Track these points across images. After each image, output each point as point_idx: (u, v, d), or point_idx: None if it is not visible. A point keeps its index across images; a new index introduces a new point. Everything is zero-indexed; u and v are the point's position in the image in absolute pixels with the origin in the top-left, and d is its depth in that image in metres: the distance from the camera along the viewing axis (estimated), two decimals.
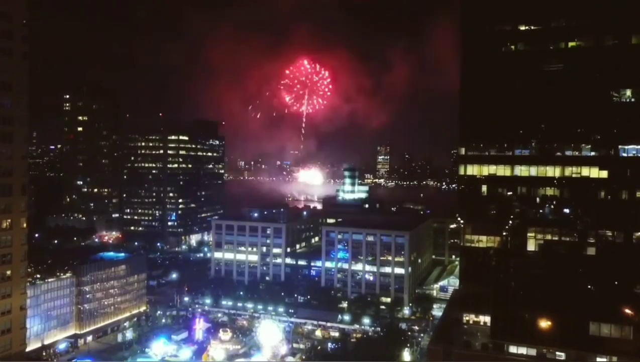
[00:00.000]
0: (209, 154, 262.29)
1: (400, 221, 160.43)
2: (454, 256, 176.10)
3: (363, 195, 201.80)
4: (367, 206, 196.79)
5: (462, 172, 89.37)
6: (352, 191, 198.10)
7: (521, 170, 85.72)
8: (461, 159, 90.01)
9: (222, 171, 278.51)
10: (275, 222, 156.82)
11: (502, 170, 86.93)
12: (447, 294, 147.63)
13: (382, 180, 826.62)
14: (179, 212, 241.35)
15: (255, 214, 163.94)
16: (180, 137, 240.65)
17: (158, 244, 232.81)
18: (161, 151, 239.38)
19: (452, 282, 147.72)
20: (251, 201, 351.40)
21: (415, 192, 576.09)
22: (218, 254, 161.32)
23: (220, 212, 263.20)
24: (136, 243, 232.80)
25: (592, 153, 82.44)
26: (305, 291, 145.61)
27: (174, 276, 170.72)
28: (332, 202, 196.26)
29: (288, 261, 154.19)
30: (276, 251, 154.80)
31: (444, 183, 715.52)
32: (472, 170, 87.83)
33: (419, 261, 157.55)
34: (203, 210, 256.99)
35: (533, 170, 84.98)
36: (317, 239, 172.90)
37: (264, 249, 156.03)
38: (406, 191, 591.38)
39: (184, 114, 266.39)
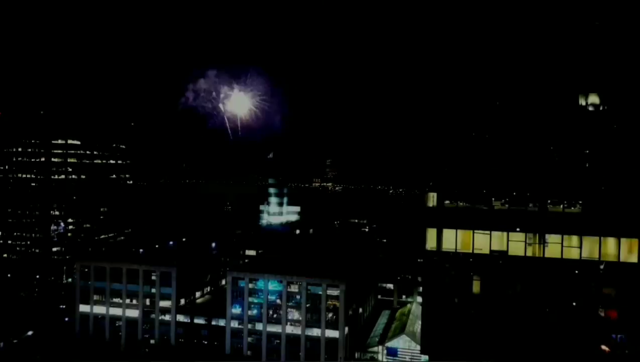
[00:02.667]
0: (111, 161, 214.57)
1: (336, 259, 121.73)
2: (404, 296, 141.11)
3: (293, 217, 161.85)
4: (298, 231, 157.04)
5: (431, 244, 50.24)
6: (280, 213, 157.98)
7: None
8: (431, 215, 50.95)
9: (130, 182, 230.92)
10: (165, 264, 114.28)
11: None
12: (396, 358, 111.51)
13: (329, 183, 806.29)
14: (68, 234, 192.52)
15: (141, 251, 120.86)
16: (70, 142, 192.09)
17: (37, 276, 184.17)
18: (43, 159, 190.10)
19: (403, 344, 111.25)
20: (169, 216, 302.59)
21: (362, 198, 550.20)
22: (84, 308, 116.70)
23: (127, 232, 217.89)
24: (9, 275, 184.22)
25: None
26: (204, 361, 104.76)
27: (30, 332, 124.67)
28: (255, 228, 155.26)
29: (180, 318, 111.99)
30: (164, 304, 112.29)
31: (391, 187, 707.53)
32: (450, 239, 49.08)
33: (360, 310, 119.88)
34: (103, 230, 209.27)
35: None
36: None
37: (148, 301, 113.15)
38: (353, 197, 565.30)
39: (79, 112, 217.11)
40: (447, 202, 51.57)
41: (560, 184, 51.51)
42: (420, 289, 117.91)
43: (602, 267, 54.26)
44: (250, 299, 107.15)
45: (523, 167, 51.39)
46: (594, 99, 53.35)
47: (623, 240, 53.16)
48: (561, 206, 51.83)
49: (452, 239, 50.38)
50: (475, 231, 51.14)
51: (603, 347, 55.88)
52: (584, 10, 56.02)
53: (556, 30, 56.04)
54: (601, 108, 53.08)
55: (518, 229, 51.38)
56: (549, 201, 52.80)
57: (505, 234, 52.33)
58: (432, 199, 51.59)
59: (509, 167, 51.41)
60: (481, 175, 51.43)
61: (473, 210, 50.97)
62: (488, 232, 51.82)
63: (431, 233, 51.18)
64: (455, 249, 51.41)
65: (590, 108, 53.06)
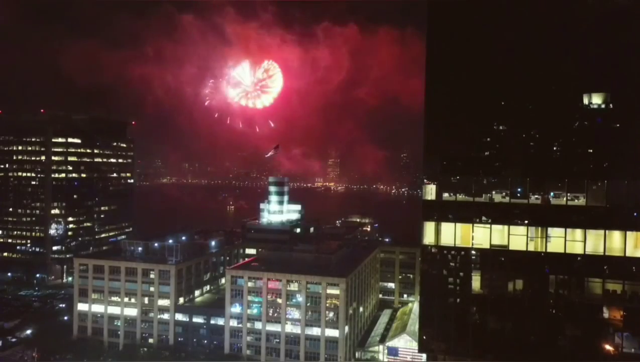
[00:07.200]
0: (112, 160, 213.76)
1: (337, 257, 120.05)
2: (405, 296, 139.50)
3: (294, 216, 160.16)
4: (298, 230, 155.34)
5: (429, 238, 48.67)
6: (280, 211, 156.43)
7: None
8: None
9: (131, 180, 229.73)
10: (162, 262, 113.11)
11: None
12: (397, 358, 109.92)
13: (332, 183, 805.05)
14: (69, 232, 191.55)
15: (140, 249, 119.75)
16: (70, 140, 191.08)
17: (38, 275, 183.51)
18: (43, 157, 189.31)
19: (403, 344, 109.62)
20: (171, 216, 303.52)
21: (364, 197, 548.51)
22: (83, 306, 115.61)
23: (128, 231, 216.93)
24: (10, 274, 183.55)
25: None
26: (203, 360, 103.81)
27: (29, 331, 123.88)
28: (255, 226, 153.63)
29: (179, 317, 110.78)
30: (163, 303, 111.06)
31: (393, 187, 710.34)
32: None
33: (360, 309, 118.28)
34: (104, 229, 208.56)
35: None
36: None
37: (146, 300, 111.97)
38: (355, 197, 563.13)
39: (80, 111, 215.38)
40: (446, 194, 49.80)
41: (563, 175, 49.79)
42: None
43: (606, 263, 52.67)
44: (250, 298, 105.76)
45: (526, 158, 49.65)
46: (597, 97, 51.89)
47: (629, 233, 51.31)
48: (564, 199, 50.12)
49: (451, 233, 48.46)
50: (475, 225, 49.35)
51: (607, 346, 54.20)
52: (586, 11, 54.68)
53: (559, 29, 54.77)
54: (604, 106, 51.64)
55: (519, 223, 49.44)
56: (551, 193, 51.17)
57: (506, 227, 50.41)
58: (431, 191, 49.84)
59: (512, 158, 49.65)
60: (482, 167, 49.58)
61: (473, 203, 49.10)
62: (488, 226, 50.05)
63: (429, 227, 49.27)
64: (454, 244, 49.62)
65: (594, 106, 51.60)
